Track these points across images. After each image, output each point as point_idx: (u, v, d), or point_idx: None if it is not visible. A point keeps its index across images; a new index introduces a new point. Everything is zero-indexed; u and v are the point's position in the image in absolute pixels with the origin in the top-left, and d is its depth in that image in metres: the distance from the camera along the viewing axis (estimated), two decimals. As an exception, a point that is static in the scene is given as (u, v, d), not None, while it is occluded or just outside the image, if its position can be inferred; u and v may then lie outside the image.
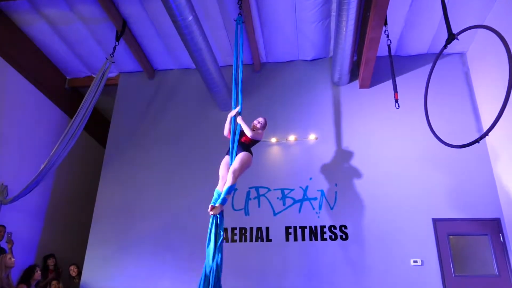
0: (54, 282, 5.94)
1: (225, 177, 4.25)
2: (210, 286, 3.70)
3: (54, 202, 7.23)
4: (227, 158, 4.41)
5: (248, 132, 4.37)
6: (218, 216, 4.00)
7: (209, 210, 3.98)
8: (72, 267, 6.26)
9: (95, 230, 6.23)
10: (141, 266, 5.83)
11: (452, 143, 5.09)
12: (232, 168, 4.17)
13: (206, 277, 3.75)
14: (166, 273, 5.73)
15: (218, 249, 3.88)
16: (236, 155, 4.28)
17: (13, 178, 6.12)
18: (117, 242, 6.05)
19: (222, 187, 4.23)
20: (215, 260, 3.80)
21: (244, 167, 4.28)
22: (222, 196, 4.07)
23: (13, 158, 6.29)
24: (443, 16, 4.23)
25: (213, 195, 4.23)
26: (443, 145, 5.80)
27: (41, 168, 5.56)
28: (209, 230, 3.98)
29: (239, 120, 4.40)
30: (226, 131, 4.57)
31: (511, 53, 3.35)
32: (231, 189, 4.12)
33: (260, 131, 4.60)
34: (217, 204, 4.01)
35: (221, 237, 3.96)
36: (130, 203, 6.31)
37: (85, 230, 6.37)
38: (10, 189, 5.97)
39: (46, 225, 6.97)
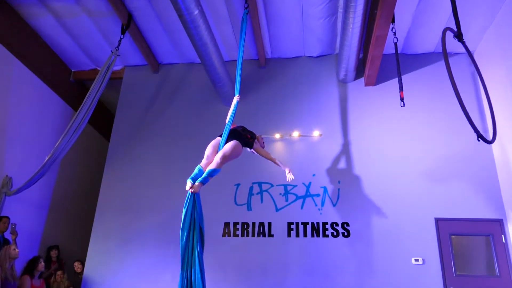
0: (59, 272, 5.98)
1: (210, 157, 4.08)
2: None
3: (58, 194, 7.27)
4: (217, 140, 4.27)
5: (270, 157, 4.65)
6: (196, 196, 3.68)
7: (187, 187, 3.66)
8: (76, 263, 6.31)
9: (98, 223, 6.26)
10: (144, 260, 5.86)
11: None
12: (222, 152, 4.02)
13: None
14: (168, 267, 5.76)
15: (197, 248, 3.53)
16: (227, 141, 4.17)
17: (17, 170, 6.16)
18: (120, 235, 6.09)
19: (205, 165, 4.01)
20: (194, 266, 3.48)
21: (233, 155, 4.15)
22: (204, 175, 3.81)
23: (17, 150, 6.32)
24: (451, 15, 4.18)
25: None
26: (447, 143, 5.89)
27: (46, 160, 5.60)
28: (184, 211, 3.60)
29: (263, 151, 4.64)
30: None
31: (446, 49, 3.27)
32: (215, 173, 3.89)
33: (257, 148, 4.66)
34: (197, 182, 3.71)
35: (202, 235, 3.62)
36: (133, 197, 6.33)
37: (89, 222, 6.41)
38: (15, 180, 6.01)
39: (50, 217, 7.02)
